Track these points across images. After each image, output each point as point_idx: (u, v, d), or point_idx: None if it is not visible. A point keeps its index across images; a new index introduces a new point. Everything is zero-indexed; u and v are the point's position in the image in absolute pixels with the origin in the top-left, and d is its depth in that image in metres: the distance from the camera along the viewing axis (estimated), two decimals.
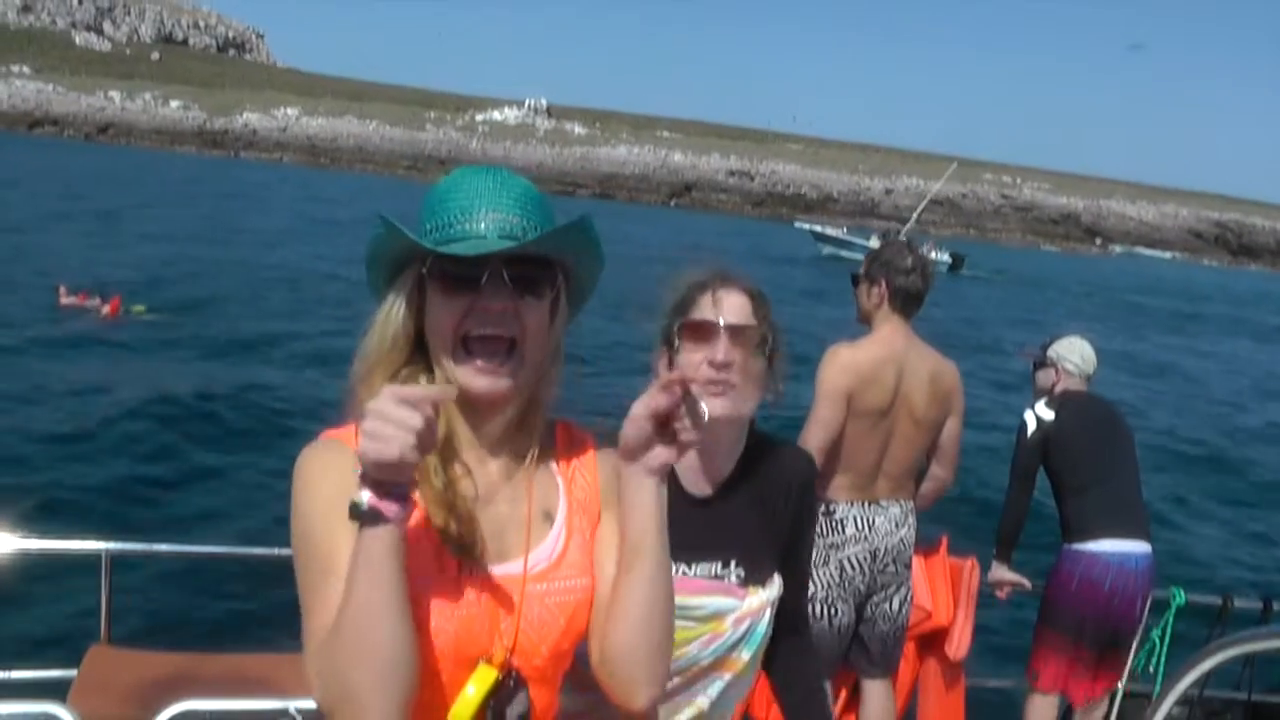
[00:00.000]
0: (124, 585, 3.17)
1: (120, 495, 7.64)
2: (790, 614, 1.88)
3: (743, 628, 1.74)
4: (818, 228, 54.72)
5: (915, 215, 58.82)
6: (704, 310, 1.70)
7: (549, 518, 1.36)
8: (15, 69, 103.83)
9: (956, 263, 49.68)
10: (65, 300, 15.42)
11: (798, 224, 60.23)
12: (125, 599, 3.22)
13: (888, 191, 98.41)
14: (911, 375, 3.24)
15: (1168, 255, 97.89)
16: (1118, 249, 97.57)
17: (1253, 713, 3.83)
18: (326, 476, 1.22)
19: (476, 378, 1.25)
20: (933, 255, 47.44)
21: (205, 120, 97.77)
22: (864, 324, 3.38)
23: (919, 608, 3.54)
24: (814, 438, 3.12)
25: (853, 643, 3.38)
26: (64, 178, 43.86)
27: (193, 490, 8.10)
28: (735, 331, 1.68)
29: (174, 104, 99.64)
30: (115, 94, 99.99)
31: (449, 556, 1.25)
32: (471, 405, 1.30)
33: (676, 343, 1.72)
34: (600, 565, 1.36)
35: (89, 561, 3.15)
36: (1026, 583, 3.86)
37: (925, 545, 3.64)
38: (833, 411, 3.15)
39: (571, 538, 1.36)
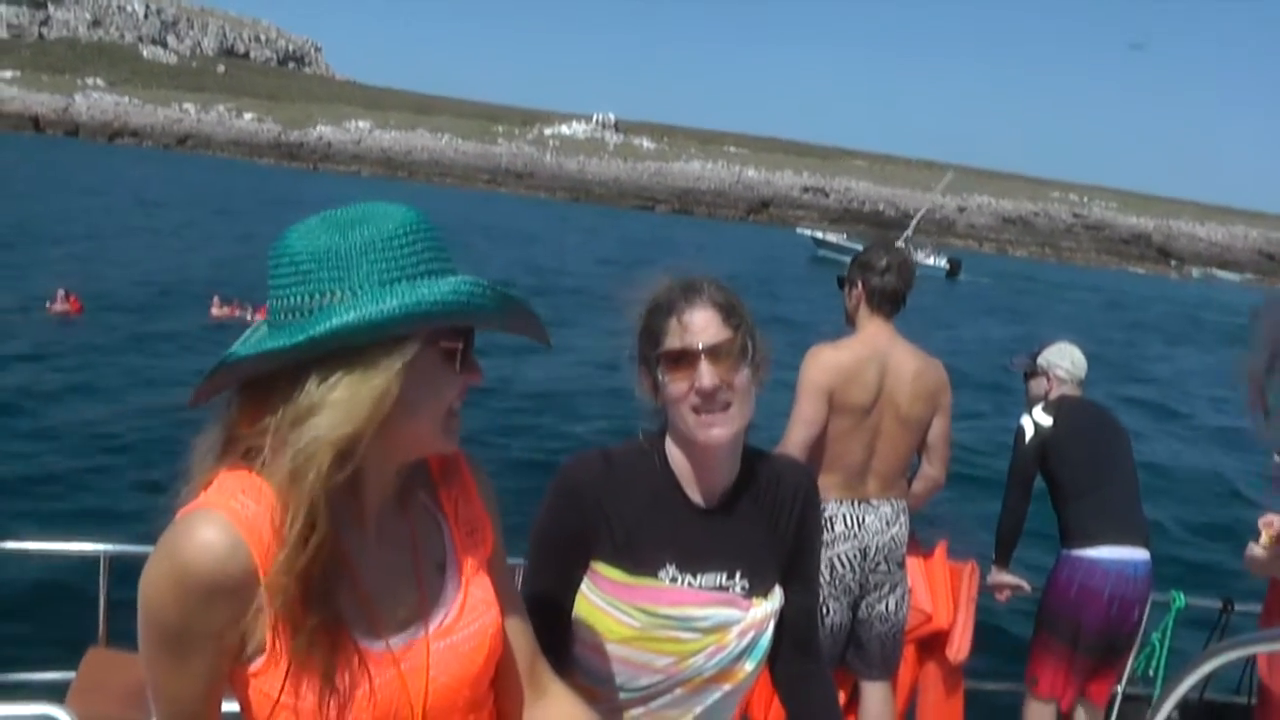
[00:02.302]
0: (123, 587, 3.06)
1: None
2: (801, 637, 1.85)
3: (747, 639, 1.72)
4: (818, 234, 55.91)
5: (913, 224, 58.97)
6: (675, 338, 1.63)
7: (440, 568, 1.27)
8: (90, 81, 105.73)
9: (953, 269, 50.01)
10: (216, 311, 15.94)
11: (799, 230, 61.46)
12: (124, 601, 3.05)
13: (960, 209, 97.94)
14: (894, 373, 3.25)
15: (1237, 277, 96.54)
16: (1195, 272, 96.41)
17: (1253, 716, 3.70)
18: (211, 600, 1.07)
19: (456, 441, 1.20)
20: (929, 261, 48.02)
21: (280, 132, 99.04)
22: (850, 325, 3.42)
23: (919, 610, 3.53)
24: (796, 435, 3.16)
25: (850, 645, 3.39)
26: (175, 188, 44.54)
27: None
28: (714, 352, 1.61)
29: (247, 116, 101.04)
30: (190, 106, 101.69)
31: (345, 650, 1.14)
32: (385, 469, 1.19)
33: (658, 372, 1.66)
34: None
35: (88, 563, 3.13)
36: (1026, 585, 3.86)
37: (924, 548, 3.64)
38: (814, 409, 3.18)
39: (469, 582, 1.28)
